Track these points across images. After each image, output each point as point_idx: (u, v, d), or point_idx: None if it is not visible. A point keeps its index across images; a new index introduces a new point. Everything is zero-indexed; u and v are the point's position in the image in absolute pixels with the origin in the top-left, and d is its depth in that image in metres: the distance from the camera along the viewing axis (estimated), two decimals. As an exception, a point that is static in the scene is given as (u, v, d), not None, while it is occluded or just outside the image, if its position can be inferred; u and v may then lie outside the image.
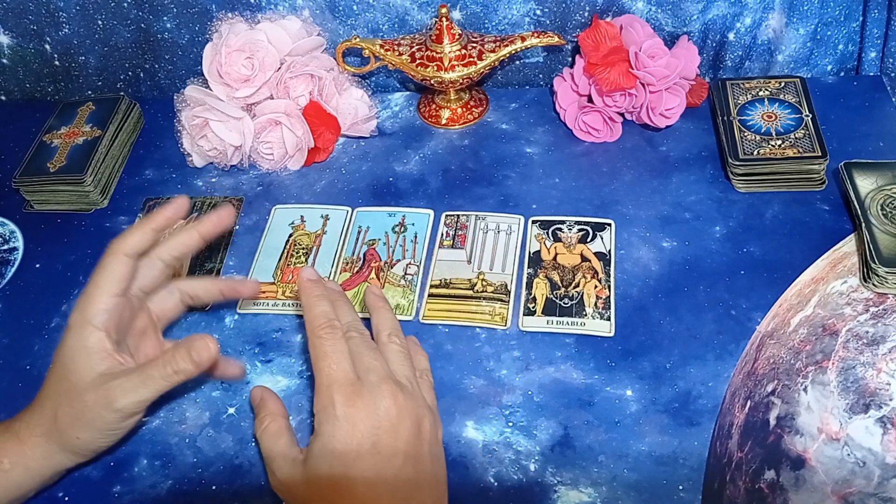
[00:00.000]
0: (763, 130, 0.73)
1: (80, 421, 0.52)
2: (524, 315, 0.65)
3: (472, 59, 0.77)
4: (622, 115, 0.79)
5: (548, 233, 0.71)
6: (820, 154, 0.70)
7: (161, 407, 0.62)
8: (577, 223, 0.72)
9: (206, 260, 0.73)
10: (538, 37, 0.76)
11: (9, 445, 0.53)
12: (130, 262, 0.56)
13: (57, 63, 0.89)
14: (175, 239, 0.59)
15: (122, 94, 0.89)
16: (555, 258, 0.69)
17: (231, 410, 0.62)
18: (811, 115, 0.73)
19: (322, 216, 0.75)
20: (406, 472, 0.48)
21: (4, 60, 0.89)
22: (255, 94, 0.77)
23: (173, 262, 0.60)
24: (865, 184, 0.67)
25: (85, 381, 0.52)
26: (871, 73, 0.83)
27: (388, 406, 0.49)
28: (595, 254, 0.69)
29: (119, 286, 0.55)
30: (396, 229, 0.73)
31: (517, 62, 0.86)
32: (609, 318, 0.64)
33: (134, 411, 0.53)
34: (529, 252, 0.70)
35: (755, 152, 0.71)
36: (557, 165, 0.77)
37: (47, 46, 0.88)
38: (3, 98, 0.94)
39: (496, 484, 0.56)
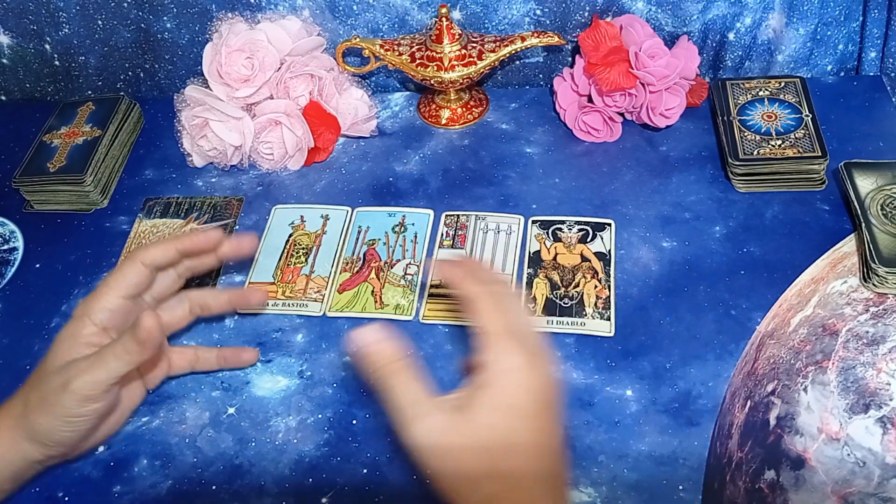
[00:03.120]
0: (763, 130, 0.73)
1: (42, 404, 0.52)
2: (524, 315, 0.65)
3: (472, 59, 0.77)
4: (622, 115, 0.79)
5: (548, 233, 0.71)
6: (820, 154, 0.70)
7: (161, 407, 0.62)
8: (577, 223, 0.72)
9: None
10: (538, 37, 0.76)
11: None
12: (146, 272, 0.57)
13: (57, 63, 0.89)
14: (197, 260, 0.61)
15: (122, 94, 0.89)
16: (555, 258, 0.69)
17: (231, 410, 0.62)
18: (811, 115, 0.73)
19: (322, 216, 0.75)
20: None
21: (4, 60, 0.89)
22: (255, 94, 0.77)
23: (187, 275, 0.62)
24: (865, 184, 0.67)
25: (55, 365, 0.53)
26: (871, 73, 0.83)
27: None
28: (595, 254, 0.69)
29: (129, 290, 0.56)
30: (396, 229, 0.73)
31: (517, 62, 0.86)
32: (609, 318, 0.64)
33: (89, 394, 0.51)
34: (529, 252, 0.70)
35: (755, 152, 0.71)
36: (557, 165, 0.77)
37: (47, 46, 0.88)
38: (3, 98, 0.94)
39: (496, 484, 0.56)
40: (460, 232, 0.72)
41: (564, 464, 0.47)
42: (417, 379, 0.46)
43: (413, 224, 0.74)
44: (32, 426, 0.52)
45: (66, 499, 0.58)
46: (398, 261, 0.70)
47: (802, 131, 0.72)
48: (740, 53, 0.82)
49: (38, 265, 0.75)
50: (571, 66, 0.79)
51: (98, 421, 0.55)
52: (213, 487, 0.57)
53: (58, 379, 0.51)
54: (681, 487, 0.54)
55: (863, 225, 0.64)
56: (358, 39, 0.79)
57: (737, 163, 0.71)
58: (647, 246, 0.69)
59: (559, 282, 0.67)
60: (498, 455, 0.44)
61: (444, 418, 0.45)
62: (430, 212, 0.74)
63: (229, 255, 0.63)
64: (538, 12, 0.81)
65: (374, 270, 0.70)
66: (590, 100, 0.78)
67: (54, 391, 0.51)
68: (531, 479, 0.45)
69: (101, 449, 0.60)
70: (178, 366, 0.62)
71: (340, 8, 0.81)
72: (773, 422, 0.56)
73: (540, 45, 0.77)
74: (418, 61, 0.78)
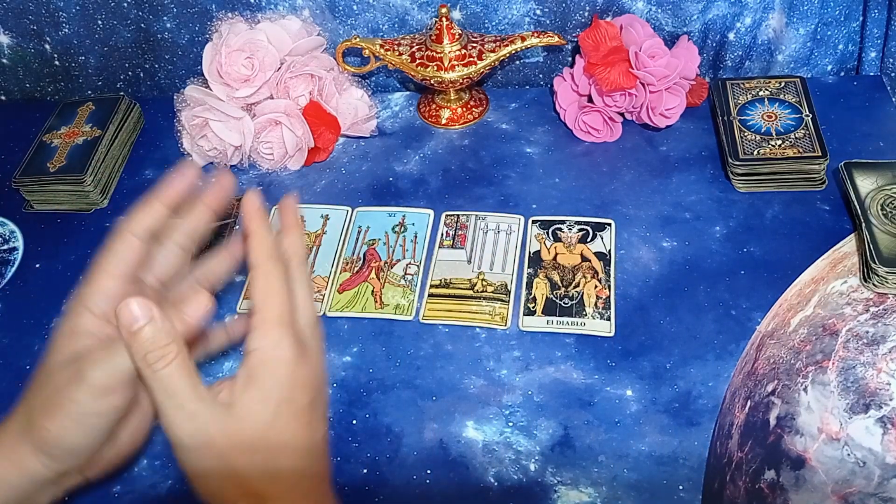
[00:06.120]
0: (763, 130, 0.73)
1: (49, 406, 0.44)
2: (524, 315, 0.65)
3: (472, 59, 0.77)
4: (622, 115, 0.79)
5: (548, 233, 0.71)
6: (820, 154, 0.70)
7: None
8: (577, 223, 0.72)
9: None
10: (538, 37, 0.76)
11: None
12: (138, 244, 0.49)
13: (57, 63, 0.89)
14: (186, 221, 0.52)
15: (122, 94, 0.89)
16: (555, 258, 0.69)
17: (231, 410, 0.62)
18: (811, 115, 0.73)
19: (322, 216, 0.75)
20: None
21: (4, 60, 0.89)
22: (255, 94, 0.77)
23: (190, 246, 0.53)
24: (865, 184, 0.67)
25: (59, 362, 0.46)
26: (871, 73, 0.83)
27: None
28: (595, 254, 0.69)
29: (124, 268, 0.48)
30: (396, 229, 0.73)
31: (517, 62, 0.86)
32: (609, 318, 0.64)
33: (106, 385, 0.43)
34: (529, 252, 0.70)
35: (755, 152, 0.71)
36: (557, 165, 0.77)
37: (47, 46, 0.88)
38: (3, 98, 0.94)
39: (496, 484, 0.56)
40: (460, 232, 0.72)
41: (328, 461, 0.45)
42: (187, 366, 0.42)
43: (413, 224, 0.74)
44: (39, 433, 0.44)
45: (66, 499, 0.58)
46: (398, 261, 0.70)
47: (802, 131, 0.72)
48: (740, 53, 0.82)
49: (38, 265, 0.75)
50: (571, 66, 0.79)
51: (115, 422, 0.46)
52: (213, 487, 0.57)
53: (66, 373, 0.44)
54: (681, 487, 0.54)
55: (863, 225, 0.64)
56: (358, 39, 0.79)
57: (737, 163, 0.71)
58: (647, 246, 0.69)
59: (559, 282, 0.67)
60: (268, 455, 0.42)
61: (208, 413, 0.42)
62: (430, 212, 0.74)
63: (216, 198, 0.53)
64: (538, 12, 0.81)
65: (374, 270, 0.70)
66: (590, 100, 0.78)
67: (64, 387, 0.43)
68: (299, 478, 0.43)
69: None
70: (218, 342, 0.54)
71: (340, 8, 0.81)
72: (773, 422, 0.56)
73: (540, 45, 0.77)
74: (418, 61, 0.78)
